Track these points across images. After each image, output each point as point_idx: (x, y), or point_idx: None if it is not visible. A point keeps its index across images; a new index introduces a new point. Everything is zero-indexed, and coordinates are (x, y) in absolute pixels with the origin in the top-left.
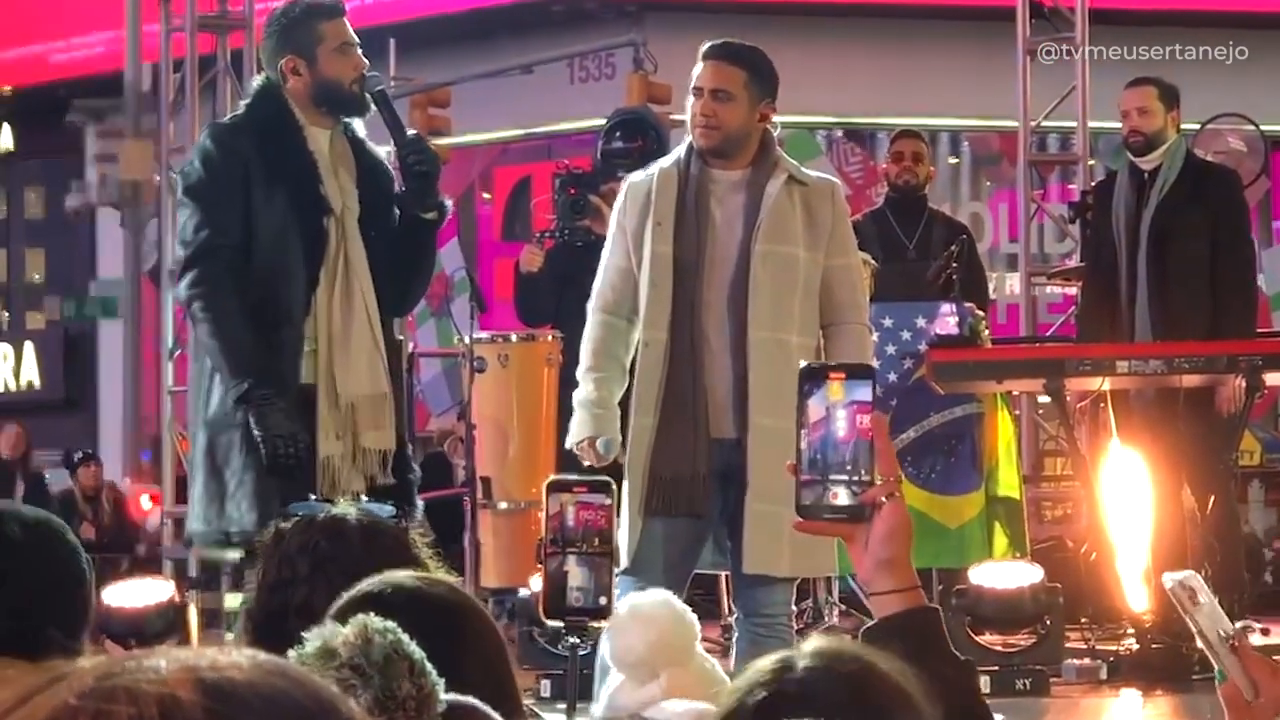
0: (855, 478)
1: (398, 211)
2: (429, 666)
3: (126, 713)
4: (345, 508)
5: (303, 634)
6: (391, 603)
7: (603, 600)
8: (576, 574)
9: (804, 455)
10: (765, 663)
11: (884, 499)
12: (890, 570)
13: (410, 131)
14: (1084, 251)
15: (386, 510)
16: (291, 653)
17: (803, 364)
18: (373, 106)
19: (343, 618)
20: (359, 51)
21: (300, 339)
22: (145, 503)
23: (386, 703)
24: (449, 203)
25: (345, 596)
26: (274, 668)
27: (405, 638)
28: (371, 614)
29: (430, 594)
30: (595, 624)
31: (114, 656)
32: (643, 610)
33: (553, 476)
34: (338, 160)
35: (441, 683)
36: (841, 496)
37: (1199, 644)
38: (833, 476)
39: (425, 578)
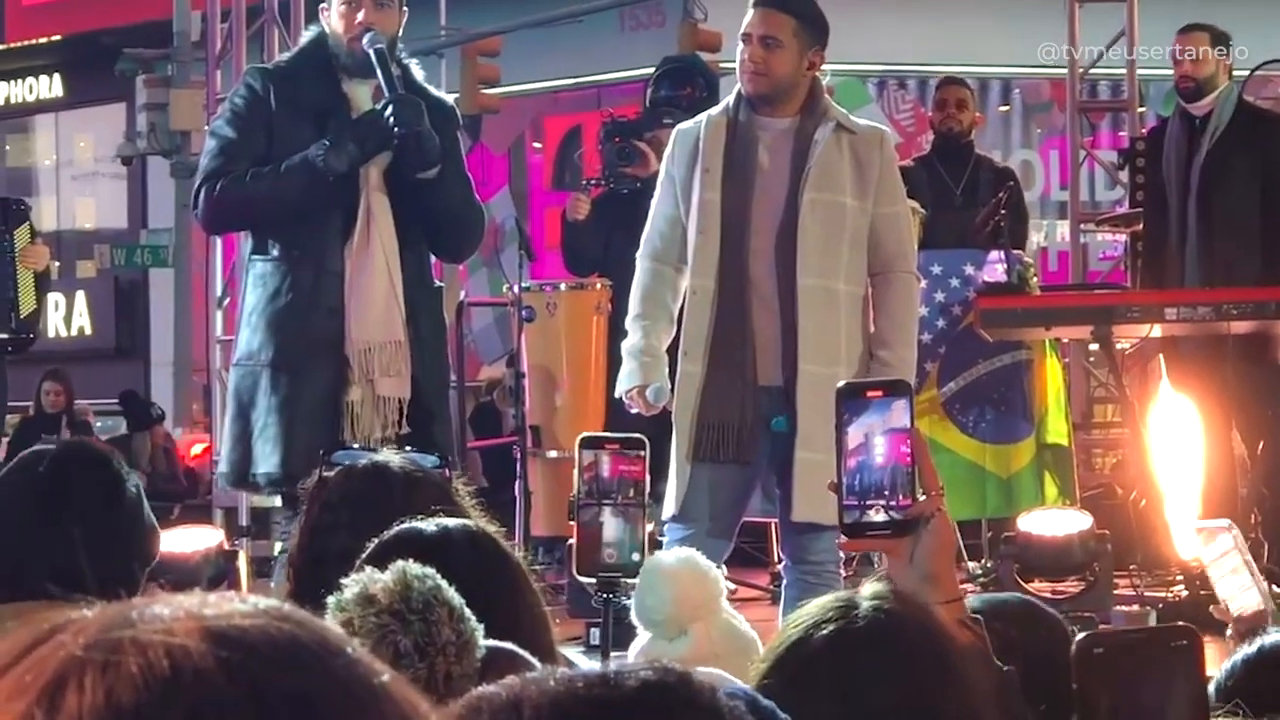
0: (893, 501)
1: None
2: (468, 612)
3: (135, 663)
4: (388, 455)
5: (342, 580)
6: (423, 547)
7: (636, 556)
8: (611, 525)
9: (844, 479)
10: (827, 600)
11: (929, 514)
12: (936, 584)
13: (398, 92)
14: (1136, 199)
15: (430, 460)
16: (330, 599)
17: (840, 384)
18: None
19: (377, 562)
20: (373, 8)
21: (335, 283)
22: (197, 451)
23: (427, 648)
24: (467, 141)
25: (376, 541)
26: (279, 613)
27: (444, 583)
28: (411, 559)
29: (463, 539)
30: (629, 580)
31: (114, 604)
32: (665, 567)
33: (584, 434)
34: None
35: (481, 628)
36: (879, 516)
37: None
38: (869, 501)
39: (455, 523)
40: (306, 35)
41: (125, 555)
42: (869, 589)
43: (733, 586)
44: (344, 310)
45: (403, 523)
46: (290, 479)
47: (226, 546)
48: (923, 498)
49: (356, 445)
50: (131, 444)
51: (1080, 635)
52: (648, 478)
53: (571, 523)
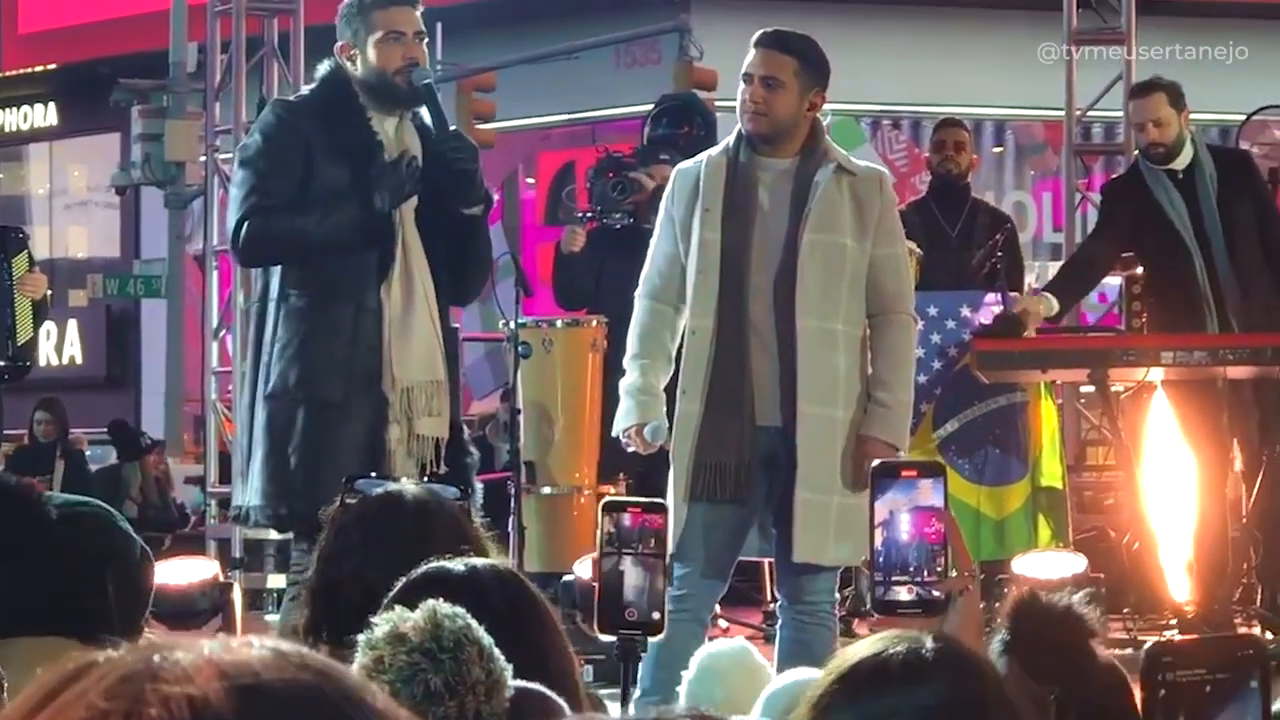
0: (919, 579)
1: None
2: (498, 652)
3: (157, 715)
4: (406, 484)
5: (356, 606)
6: (452, 586)
7: (656, 615)
8: (632, 575)
9: (874, 554)
10: (889, 634)
11: (959, 592)
12: None
13: (451, 127)
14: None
15: (451, 491)
16: (361, 637)
17: (876, 462)
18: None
19: (405, 601)
20: (414, 42)
21: (374, 321)
22: (188, 482)
23: (457, 687)
24: (494, 194)
25: (406, 579)
26: (299, 660)
27: (474, 623)
28: (440, 598)
29: (491, 578)
30: (649, 638)
31: (135, 649)
32: (721, 665)
33: (608, 497)
34: (402, 147)
35: (510, 668)
36: (908, 595)
37: None
38: (895, 578)
39: (483, 562)
40: (323, 70)
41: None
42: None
43: (725, 624)
44: (383, 348)
45: (430, 561)
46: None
47: (221, 579)
48: (953, 575)
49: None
50: (121, 473)
51: (1149, 644)
52: (670, 531)
53: (593, 581)
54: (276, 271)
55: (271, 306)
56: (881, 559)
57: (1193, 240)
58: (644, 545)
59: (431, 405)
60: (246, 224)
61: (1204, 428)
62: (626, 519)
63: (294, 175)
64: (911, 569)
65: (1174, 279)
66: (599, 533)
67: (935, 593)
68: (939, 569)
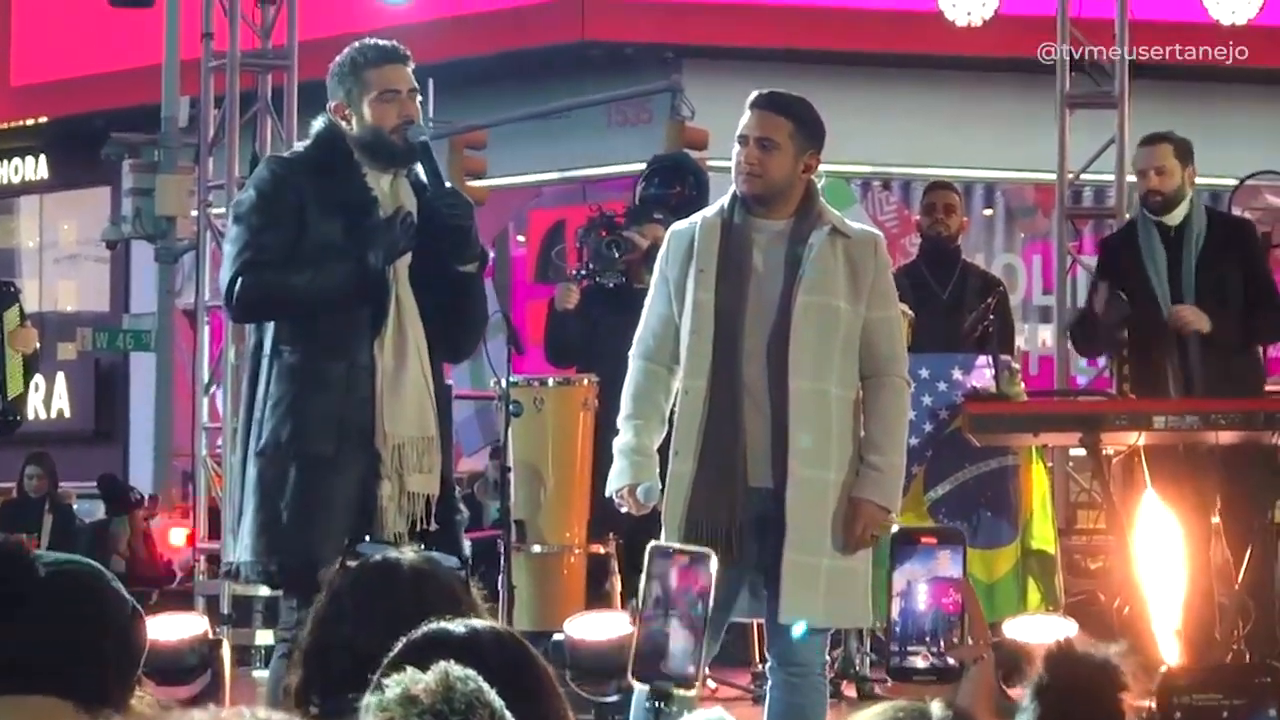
0: (934, 648)
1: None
2: (509, 714)
3: None
4: (405, 552)
5: (348, 670)
6: (452, 648)
7: (691, 669)
8: (679, 637)
9: (892, 622)
10: (899, 702)
11: (973, 661)
12: None
13: (447, 184)
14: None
15: (451, 561)
16: (372, 698)
17: (895, 529)
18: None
19: (405, 662)
20: (409, 99)
21: (366, 378)
22: (177, 537)
23: None
24: (490, 251)
25: (406, 639)
26: None
27: (485, 685)
28: (451, 660)
29: (492, 640)
30: (681, 692)
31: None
32: None
33: (655, 543)
34: (397, 203)
35: None
36: (923, 662)
37: None
38: (911, 647)
39: (483, 624)
40: (317, 127)
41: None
42: (935, 707)
43: (714, 685)
44: (375, 403)
45: (431, 623)
46: (315, 571)
47: (210, 635)
48: (969, 644)
49: (370, 538)
50: (110, 528)
51: (1164, 668)
52: (713, 590)
53: (632, 626)
54: (269, 327)
55: (264, 362)
56: (899, 627)
57: (1165, 298)
58: (689, 606)
59: (423, 462)
60: (240, 280)
61: (1187, 492)
62: (673, 575)
63: (288, 231)
64: (928, 637)
65: (1146, 335)
66: (644, 583)
67: (951, 661)
68: (955, 638)
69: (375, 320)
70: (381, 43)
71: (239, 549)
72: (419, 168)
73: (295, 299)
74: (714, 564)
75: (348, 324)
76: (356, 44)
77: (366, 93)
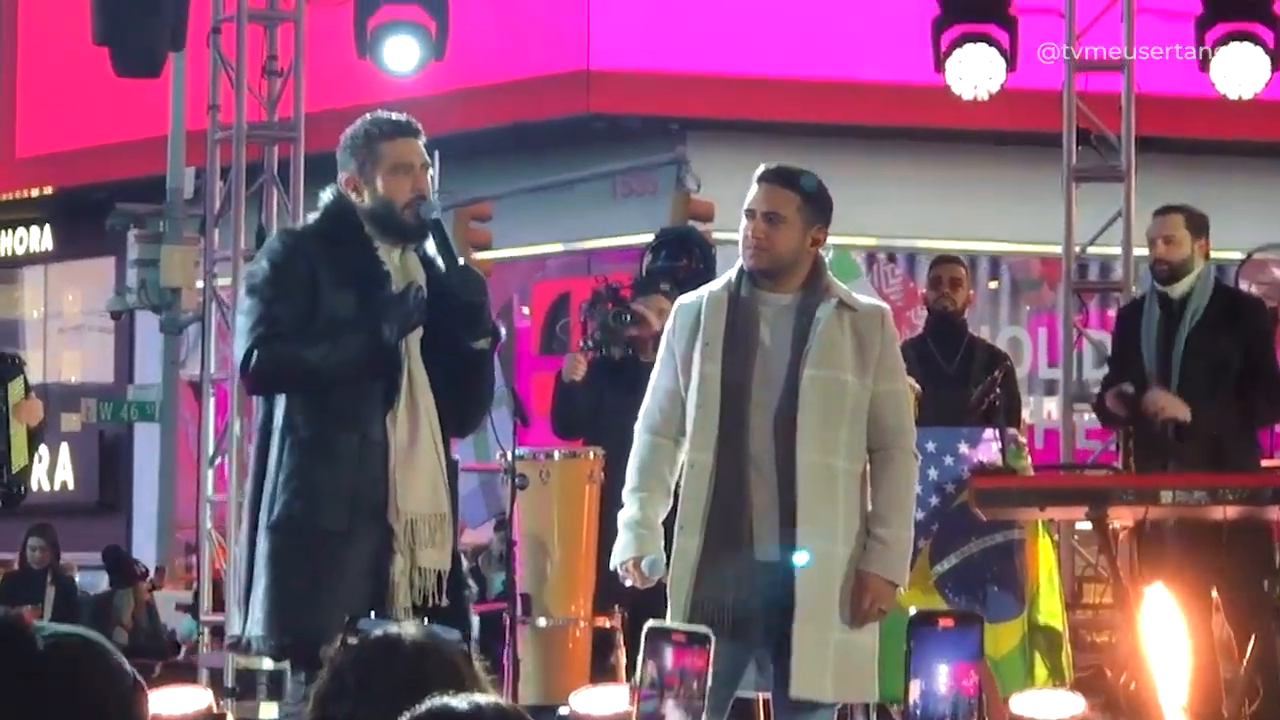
0: None
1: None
2: None
3: None
4: (406, 626)
5: None
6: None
7: None
8: (675, 718)
9: (910, 705)
10: None
11: None
12: None
13: (459, 260)
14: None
15: (453, 634)
16: None
17: (913, 611)
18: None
19: None
20: (421, 174)
21: (379, 452)
22: (180, 609)
23: None
24: (501, 328)
25: (411, 714)
26: None
27: None
28: None
29: (491, 715)
30: None
31: None
32: None
33: (652, 622)
34: (408, 278)
35: None
36: None
37: None
38: None
39: (486, 700)
40: (325, 199)
41: None
42: None
43: None
44: (388, 479)
45: (433, 698)
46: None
47: (215, 709)
48: None
49: (379, 614)
50: (114, 601)
51: None
52: (710, 670)
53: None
54: (280, 400)
55: (275, 435)
56: (919, 710)
57: (1154, 370)
58: (685, 688)
59: (435, 537)
60: (256, 354)
61: (1190, 567)
62: (669, 657)
63: (301, 303)
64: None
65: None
66: (640, 665)
67: None
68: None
69: (388, 394)
70: (395, 116)
71: (249, 623)
72: (429, 242)
73: (310, 372)
74: (713, 645)
75: (360, 397)
76: (370, 116)
77: (380, 166)
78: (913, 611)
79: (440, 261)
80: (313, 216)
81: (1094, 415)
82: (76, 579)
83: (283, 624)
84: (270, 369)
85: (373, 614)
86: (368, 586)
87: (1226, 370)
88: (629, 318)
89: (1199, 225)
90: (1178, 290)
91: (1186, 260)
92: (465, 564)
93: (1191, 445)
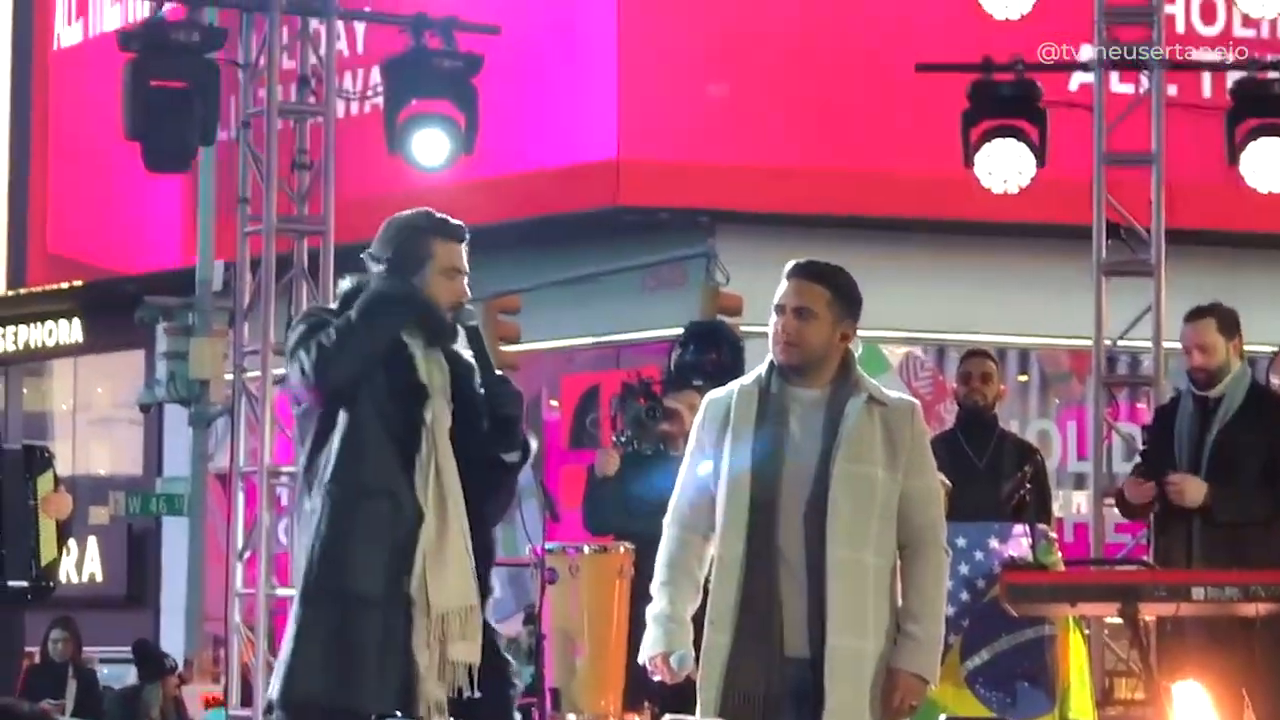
0: None
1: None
2: None
3: None
4: None
5: None
6: None
7: None
8: None
9: None
10: None
11: None
12: None
13: (496, 371)
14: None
15: None
16: None
17: (943, 718)
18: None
19: None
20: (464, 280)
21: (413, 544)
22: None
23: None
24: (533, 442)
25: None
26: None
27: None
28: None
29: None
30: None
31: None
32: None
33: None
34: (432, 371)
35: None
36: None
37: None
38: None
39: None
40: (345, 287)
41: None
42: None
43: None
44: (420, 570)
45: None
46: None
47: None
48: None
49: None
50: (142, 694)
51: None
52: None
53: None
54: (328, 468)
55: (321, 498)
56: None
57: (1185, 464)
58: None
59: (465, 630)
60: (318, 340)
61: (1220, 663)
62: None
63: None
64: None
65: (1167, 506)
66: None
67: None
68: None
69: (409, 462)
70: (451, 219)
71: (276, 682)
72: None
73: (348, 327)
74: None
75: (390, 459)
76: (423, 212)
77: (430, 264)
78: (943, 719)
79: (476, 368)
80: (336, 306)
81: None
82: (100, 672)
83: (306, 688)
84: (323, 351)
85: (399, 714)
86: (397, 664)
87: (1253, 464)
88: (661, 413)
89: (1231, 325)
90: (1216, 393)
91: (1223, 365)
92: (513, 664)
93: (1214, 535)
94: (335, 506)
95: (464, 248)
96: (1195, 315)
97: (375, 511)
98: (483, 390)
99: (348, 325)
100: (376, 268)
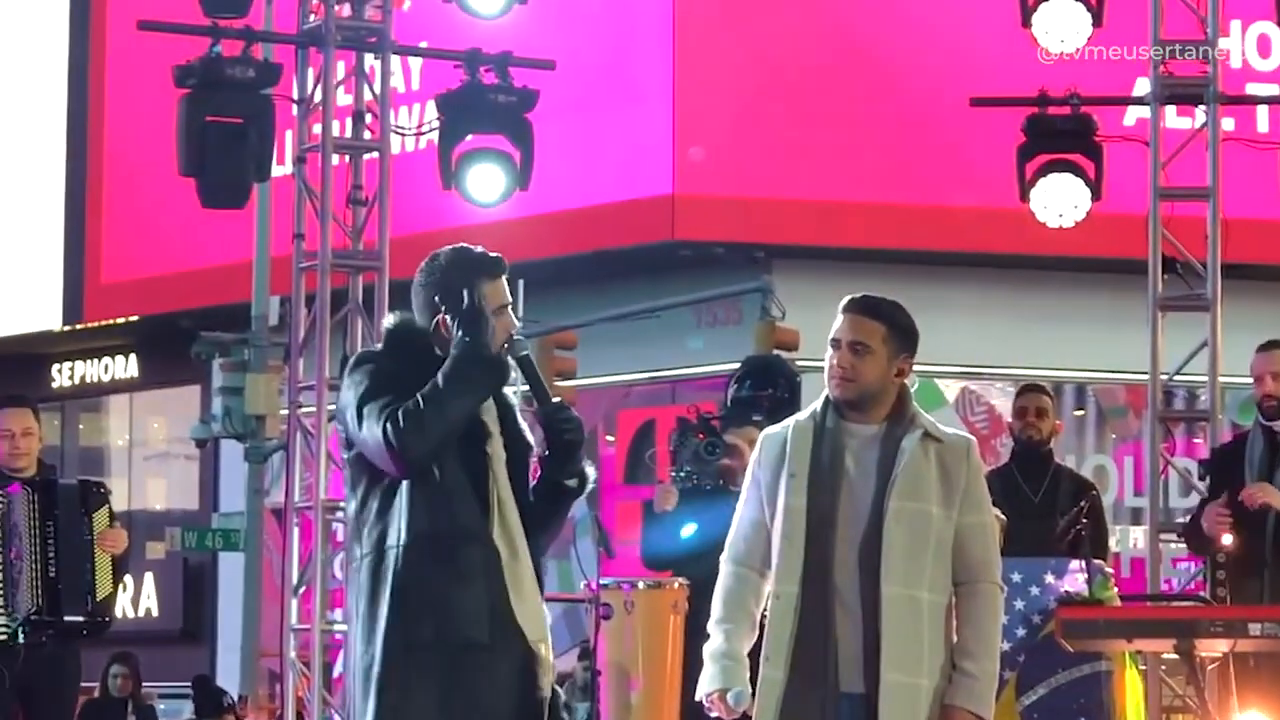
0: None
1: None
2: None
3: None
4: None
5: None
6: None
7: None
8: None
9: None
10: None
11: None
12: None
13: (555, 399)
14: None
15: None
16: None
17: None
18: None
19: None
20: (511, 312)
21: (503, 584)
22: None
23: None
24: (590, 472)
25: None
26: None
27: None
28: None
29: None
30: None
31: None
32: None
33: None
34: (486, 407)
35: None
36: None
37: None
38: None
39: None
40: (390, 323)
41: None
42: None
43: None
44: (508, 597)
45: None
46: None
47: None
48: None
49: None
50: None
51: None
52: None
53: None
54: (397, 521)
55: (390, 552)
56: None
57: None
58: None
59: (545, 663)
60: (395, 417)
61: (1277, 699)
62: None
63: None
64: None
65: (1241, 541)
66: None
67: None
68: None
69: (484, 503)
70: (491, 254)
71: None
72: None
73: (435, 400)
74: None
75: (466, 505)
76: (460, 250)
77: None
78: None
79: (535, 398)
80: (381, 346)
81: (1181, 544)
82: (158, 708)
83: None
84: (410, 423)
85: None
86: (518, 704)
87: None
88: (721, 448)
89: None
90: None
91: None
92: (563, 697)
93: None
94: (420, 554)
95: (504, 281)
96: (1272, 345)
97: (466, 556)
98: (542, 419)
99: (436, 396)
100: (434, 314)
